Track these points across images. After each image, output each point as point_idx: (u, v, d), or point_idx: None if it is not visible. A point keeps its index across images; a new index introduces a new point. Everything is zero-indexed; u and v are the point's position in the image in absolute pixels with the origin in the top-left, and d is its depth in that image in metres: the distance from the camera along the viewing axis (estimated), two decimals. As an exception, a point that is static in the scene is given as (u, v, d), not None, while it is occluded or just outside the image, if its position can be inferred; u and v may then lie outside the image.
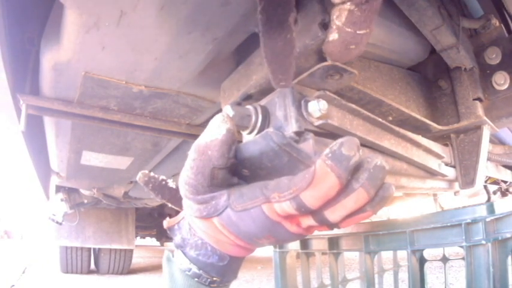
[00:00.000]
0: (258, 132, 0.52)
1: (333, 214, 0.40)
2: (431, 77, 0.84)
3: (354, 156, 0.38)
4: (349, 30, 0.42)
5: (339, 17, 0.41)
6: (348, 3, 0.41)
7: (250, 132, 0.52)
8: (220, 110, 0.53)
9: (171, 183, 0.57)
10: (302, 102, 0.50)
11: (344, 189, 0.39)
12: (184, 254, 0.50)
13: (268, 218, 0.42)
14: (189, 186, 0.45)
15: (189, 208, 0.47)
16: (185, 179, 0.46)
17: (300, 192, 0.39)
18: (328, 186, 0.38)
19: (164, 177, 0.57)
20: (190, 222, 0.50)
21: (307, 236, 0.47)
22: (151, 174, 0.56)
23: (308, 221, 0.42)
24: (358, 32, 0.42)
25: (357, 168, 0.40)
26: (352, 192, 0.39)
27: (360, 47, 0.46)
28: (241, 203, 0.44)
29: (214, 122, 0.46)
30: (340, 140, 0.39)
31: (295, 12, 0.42)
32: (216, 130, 0.45)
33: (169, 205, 0.57)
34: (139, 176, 0.55)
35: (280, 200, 0.40)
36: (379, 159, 0.40)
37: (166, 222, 0.53)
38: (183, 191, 0.47)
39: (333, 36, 0.44)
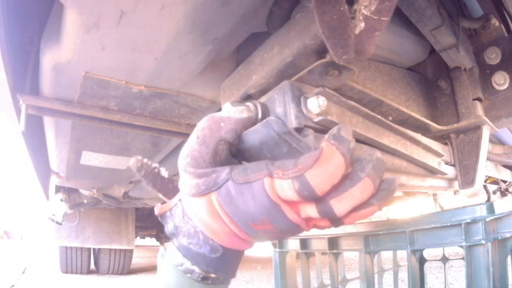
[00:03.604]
0: None
1: (339, 204, 0.40)
2: (431, 77, 0.84)
3: (352, 141, 0.40)
4: (376, 17, 0.42)
5: (367, 7, 0.42)
6: None
7: (251, 127, 0.52)
8: (220, 110, 0.53)
9: (163, 172, 0.56)
10: (301, 98, 0.50)
11: (350, 177, 0.40)
12: (177, 243, 0.48)
13: (268, 197, 0.41)
14: (191, 158, 0.44)
15: (187, 186, 0.46)
16: (187, 150, 0.45)
17: (306, 171, 0.39)
18: (334, 165, 0.39)
19: (157, 165, 0.56)
20: (185, 207, 0.48)
21: (306, 230, 0.45)
22: (145, 160, 0.55)
23: (310, 210, 0.41)
24: (382, 18, 0.43)
25: (359, 161, 0.41)
26: (359, 181, 0.40)
27: (379, 33, 0.46)
28: (244, 176, 0.43)
29: (237, 108, 0.47)
30: (336, 126, 0.41)
31: None
32: (238, 113, 0.46)
33: (160, 195, 0.55)
34: (132, 162, 0.54)
35: (283, 177, 0.40)
36: (378, 153, 0.42)
37: (157, 208, 0.51)
38: (183, 165, 0.45)
39: (360, 27, 0.44)
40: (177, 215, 0.49)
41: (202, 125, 0.46)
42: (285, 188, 0.40)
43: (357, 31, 0.44)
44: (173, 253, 0.48)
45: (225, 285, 0.51)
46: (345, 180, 0.40)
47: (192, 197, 0.46)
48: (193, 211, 0.46)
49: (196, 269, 0.47)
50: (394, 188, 0.42)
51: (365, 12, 0.42)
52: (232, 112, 0.47)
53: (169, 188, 0.55)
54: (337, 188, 0.40)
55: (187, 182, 0.46)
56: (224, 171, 0.44)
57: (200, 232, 0.46)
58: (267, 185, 0.41)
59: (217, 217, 0.45)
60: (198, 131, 0.45)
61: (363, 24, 0.43)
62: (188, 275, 0.47)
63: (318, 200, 0.40)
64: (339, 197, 0.40)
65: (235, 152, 0.48)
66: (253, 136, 0.47)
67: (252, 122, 0.49)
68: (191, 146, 0.45)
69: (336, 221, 0.42)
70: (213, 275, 0.48)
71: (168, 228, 0.50)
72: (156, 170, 0.55)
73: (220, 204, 0.44)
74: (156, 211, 0.51)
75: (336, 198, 0.40)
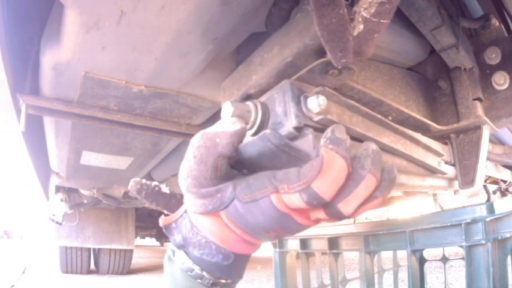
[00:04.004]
0: (258, 128, 0.52)
1: (347, 206, 0.40)
2: (431, 77, 0.84)
3: (347, 139, 0.40)
4: (375, 20, 0.42)
5: (367, 9, 0.42)
6: None
7: (250, 128, 0.52)
8: (220, 110, 0.53)
9: (164, 189, 0.55)
10: (301, 98, 0.50)
11: (352, 177, 0.40)
12: (187, 254, 0.48)
13: (278, 210, 0.41)
14: (192, 178, 0.44)
15: (192, 205, 0.46)
16: (186, 171, 0.44)
17: (311, 183, 0.39)
18: (337, 170, 0.39)
19: (157, 183, 0.55)
20: (192, 220, 0.48)
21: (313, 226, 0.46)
22: (143, 181, 0.54)
23: (319, 214, 0.42)
24: (381, 21, 0.43)
25: (357, 158, 0.41)
26: (362, 179, 0.40)
27: (379, 36, 0.46)
28: (248, 194, 0.42)
29: (229, 119, 0.47)
30: (329, 128, 0.41)
31: None
32: (230, 125, 0.46)
33: (165, 211, 0.54)
34: (131, 185, 0.53)
35: (289, 191, 0.40)
36: (373, 144, 0.42)
37: (162, 220, 0.51)
38: (185, 186, 0.45)
39: (358, 29, 0.44)
40: (184, 226, 0.49)
41: (197, 143, 0.44)
42: (294, 200, 0.40)
43: (356, 33, 0.44)
44: (182, 258, 0.48)
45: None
46: (348, 181, 0.40)
47: (200, 215, 0.46)
48: (202, 225, 0.46)
49: (206, 274, 0.47)
50: (395, 176, 0.42)
51: (364, 14, 0.42)
52: (225, 125, 0.46)
53: (172, 202, 0.54)
54: (342, 190, 0.40)
55: (192, 202, 0.45)
56: (228, 190, 0.44)
57: (212, 242, 0.46)
58: (274, 201, 0.41)
59: (227, 229, 0.45)
60: (194, 150, 0.44)
61: (361, 26, 0.43)
62: (198, 280, 0.47)
63: (325, 204, 0.41)
64: (346, 199, 0.40)
65: (234, 163, 0.48)
66: (251, 148, 0.47)
67: (246, 132, 0.48)
68: (190, 166, 0.44)
69: (343, 218, 0.43)
70: (223, 281, 0.48)
71: (176, 240, 0.49)
72: (157, 188, 0.55)
73: (230, 220, 0.44)
74: (161, 223, 0.51)
75: (343, 201, 0.40)
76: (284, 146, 0.46)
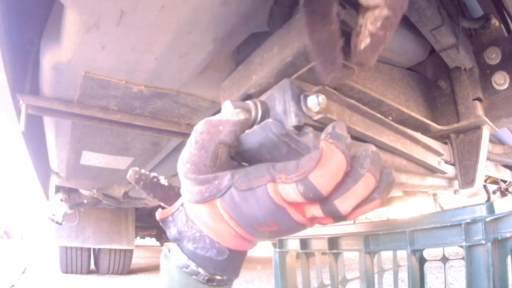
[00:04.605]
0: None
1: (343, 203, 0.40)
2: (431, 77, 0.84)
3: (348, 137, 0.41)
4: (381, 33, 0.43)
5: (373, 23, 0.42)
6: (386, 10, 0.41)
7: (250, 127, 0.52)
8: (220, 110, 0.53)
9: (163, 181, 0.55)
10: (301, 96, 0.50)
11: (351, 175, 0.40)
12: (182, 248, 0.48)
13: (273, 201, 0.41)
14: (191, 164, 0.44)
15: (189, 193, 0.46)
16: (187, 156, 0.45)
17: (309, 174, 0.39)
18: (336, 164, 0.39)
19: (156, 175, 0.55)
20: (188, 212, 0.48)
21: (309, 227, 0.46)
22: (142, 171, 0.54)
23: (315, 211, 0.41)
24: (387, 32, 0.43)
25: (356, 157, 0.41)
26: (361, 177, 0.40)
27: (383, 46, 0.46)
28: (246, 182, 0.43)
29: (233, 110, 0.47)
30: (330, 125, 0.41)
31: (337, 1, 0.42)
32: (235, 115, 0.46)
33: (162, 204, 0.55)
34: (130, 174, 0.53)
35: (286, 181, 0.40)
36: (373, 147, 0.42)
37: (158, 214, 0.51)
38: (183, 171, 0.45)
39: (365, 42, 0.44)
40: (180, 220, 0.49)
41: (201, 129, 0.45)
42: (290, 191, 0.40)
43: (363, 47, 0.44)
44: (178, 254, 0.48)
45: (229, 286, 0.51)
46: (346, 179, 0.40)
47: (196, 203, 0.45)
48: (198, 216, 0.46)
49: (201, 271, 0.47)
50: (393, 179, 0.42)
51: (370, 28, 0.42)
52: (229, 114, 0.47)
53: (170, 195, 0.54)
54: (340, 186, 0.40)
55: (189, 188, 0.45)
56: (226, 177, 0.44)
57: (206, 236, 0.46)
58: (270, 190, 0.41)
59: (222, 221, 0.45)
60: (196, 136, 0.45)
61: (368, 40, 0.43)
62: (193, 276, 0.47)
63: (322, 200, 0.40)
64: (343, 196, 0.40)
65: (234, 154, 0.48)
66: (252, 138, 0.48)
67: (249, 123, 0.49)
68: (190, 151, 0.44)
69: (340, 218, 0.42)
70: (218, 277, 0.48)
71: (171, 233, 0.49)
72: (155, 179, 0.55)
73: (225, 210, 0.44)
74: (158, 216, 0.51)
75: (340, 197, 0.40)
76: (285, 136, 0.46)
